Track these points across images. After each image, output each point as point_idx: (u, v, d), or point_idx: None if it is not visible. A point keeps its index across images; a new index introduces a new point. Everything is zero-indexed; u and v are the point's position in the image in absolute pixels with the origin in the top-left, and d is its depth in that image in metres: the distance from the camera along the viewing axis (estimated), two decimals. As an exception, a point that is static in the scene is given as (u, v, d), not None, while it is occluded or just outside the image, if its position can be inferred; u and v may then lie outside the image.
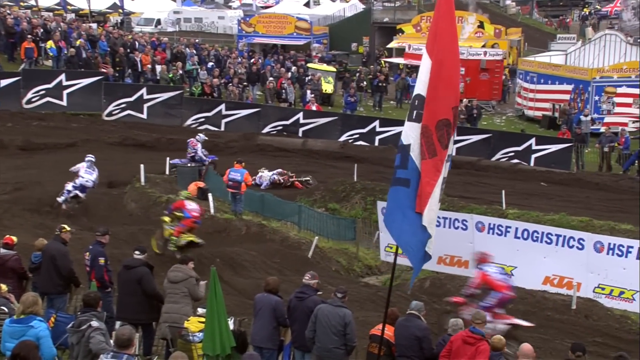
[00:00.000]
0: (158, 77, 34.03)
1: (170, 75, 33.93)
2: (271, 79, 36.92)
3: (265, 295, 10.62)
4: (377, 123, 31.44)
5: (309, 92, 36.24)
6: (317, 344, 10.07)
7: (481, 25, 46.39)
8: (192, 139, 24.38)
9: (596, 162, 29.88)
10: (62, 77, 31.26)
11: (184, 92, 32.98)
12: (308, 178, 26.22)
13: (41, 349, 7.94)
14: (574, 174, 27.79)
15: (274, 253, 18.37)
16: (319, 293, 10.72)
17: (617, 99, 35.28)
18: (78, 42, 33.59)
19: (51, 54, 33.33)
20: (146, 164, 23.07)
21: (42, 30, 34.31)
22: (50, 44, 33.21)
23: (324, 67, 42.56)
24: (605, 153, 29.30)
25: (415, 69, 41.32)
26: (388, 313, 10.07)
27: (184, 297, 11.07)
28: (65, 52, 33.05)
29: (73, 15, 45.85)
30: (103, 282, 11.82)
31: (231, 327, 10.00)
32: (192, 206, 17.03)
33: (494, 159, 29.17)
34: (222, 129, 31.94)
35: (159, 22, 59.02)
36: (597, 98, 35.42)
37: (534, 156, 29.15)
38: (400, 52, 46.71)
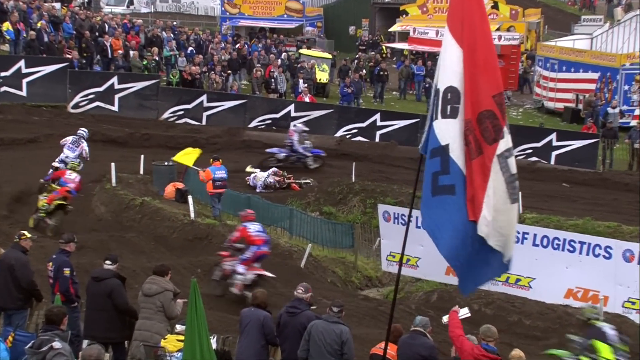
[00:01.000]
0: (131, 65, 34.02)
1: (145, 63, 33.92)
2: (259, 66, 37.01)
3: (252, 310, 10.63)
4: (377, 116, 31.47)
5: (301, 81, 36.34)
6: (311, 364, 10.08)
7: (495, 6, 46.51)
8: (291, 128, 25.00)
9: (625, 160, 29.96)
10: (21, 63, 31.19)
11: (160, 82, 33.02)
12: (308, 180, 26.22)
13: (-2, 371, 7.93)
14: (600, 174, 27.87)
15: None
16: (312, 307, 10.72)
17: (649, 89, 35.46)
18: (39, 24, 33.51)
19: (8, 37, 33.25)
20: (117, 163, 23.02)
21: (-3, 10, 34.32)
22: (6, 25, 33.09)
23: (319, 53, 42.64)
24: (635, 150, 29.35)
25: (420, 56, 41.45)
26: (391, 330, 10.07)
27: (158, 312, 11.07)
28: (25, 35, 32.98)
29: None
30: (68, 295, 11.79)
31: (214, 346, 10.00)
32: (71, 176, 19.06)
33: (519, 157, 29.24)
34: (204, 122, 31.95)
35: (131, 1, 58.98)
36: (626, 87, 35.53)
37: (554, 153, 29.23)
38: (404, 36, 46.80)
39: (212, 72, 35.34)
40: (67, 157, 21.43)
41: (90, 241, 18.11)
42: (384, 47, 47.37)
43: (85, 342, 11.05)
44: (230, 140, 29.92)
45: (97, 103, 31.84)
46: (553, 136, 29.54)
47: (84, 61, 33.52)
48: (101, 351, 8.28)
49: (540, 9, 53.22)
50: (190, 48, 38.28)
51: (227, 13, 50.71)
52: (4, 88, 30.95)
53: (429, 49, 40.64)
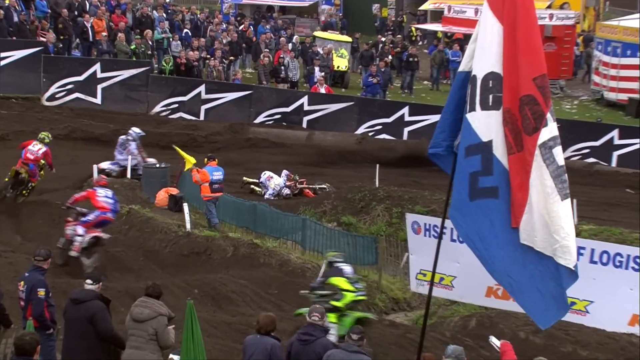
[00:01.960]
0: (116, 50, 34.13)
1: (133, 47, 34.01)
2: (266, 51, 37.03)
3: (257, 337, 10.63)
4: (406, 110, 31.52)
5: (317, 69, 36.33)
6: (327, 401, 10.11)
7: (546, -21, 46.46)
8: None
9: (700, 162, 29.83)
10: (-12, 48, 31.48)
11: (150, 70, 33.13)
12: (324, 186, 26.20)
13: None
14: (671, 178, 27.76)
15: (270, 282, 18.40)
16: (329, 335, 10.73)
17: None
18: (7, 1, 33.63)
19: (-28, 17, 33.47)
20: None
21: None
22: (-31, 4, 33.35)
23: (337, 36, 42.66)
24: None
25: (456, 38, 41.34)
26: (421, 361, 10.11)
27: (151, 341, 11.09)
28: (-9, 15, 33.17)
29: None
30: (42, 321, 11.84)
31: (213, 379, 10.03)
32: (34, 148, 21.29)
33: (574, 158, 29.13)
34: (202, 117, 32.05)
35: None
36: (702, 75, 35.39)
37: (616, 154, 29.14)
38: (437, 15, 46.76)
39: (212, 59, 35.38)
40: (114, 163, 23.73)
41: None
42: (413, 29, 47.35)
43: (62, 376, 11.11)
44: (233, 138, 29.97)
45: (77, 94, 32.01)
46: (614, 133, 29.44)
47: (61, 45, 33.58)
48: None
49: (600, -18, 53.09)
50: (186, 30, 38.32)
51: (229, -11, 50.84)
52: (-33, 77, 31.26)
53: (466, 31, 40.54)
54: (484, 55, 8.59)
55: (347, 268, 14.86)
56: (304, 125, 31.89)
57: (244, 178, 26.33)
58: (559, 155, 8.28)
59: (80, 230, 18.01)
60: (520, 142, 8.33)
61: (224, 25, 40.94)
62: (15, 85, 31.55)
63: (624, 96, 37.41)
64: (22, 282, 12.18)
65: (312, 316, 10.80)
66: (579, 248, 16.73)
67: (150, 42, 34.94)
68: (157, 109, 32.27)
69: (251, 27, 41.61)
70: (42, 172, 21.57)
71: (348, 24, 49.50)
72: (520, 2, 8.59)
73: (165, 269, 19.01)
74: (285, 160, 27.92)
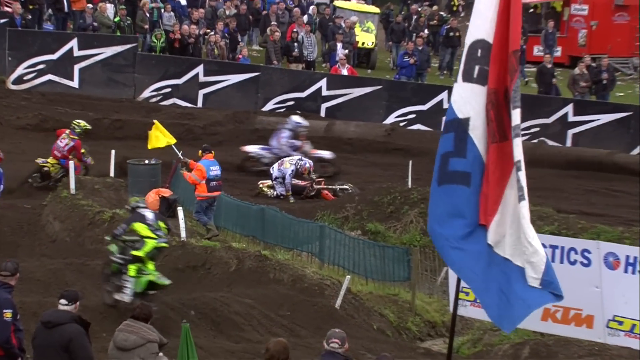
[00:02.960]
0: (97, 22, 34.19)
1: (117, 20, 34.07)
2: (275, 24, 36.95)
3: (266, 368, 10.65)
4: (444, 95, 31.44)
5: (339, 45, 36.21)
6: None
7: None
8: None
9: None
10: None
11: (138, 47, 33.21)
12: (346, 186, 26.16)
13: None
14: None
15: (282, 301, 18.41)
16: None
17: None
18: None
19: None
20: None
21: None
22: None
23: (362, 6, 42.60)
24: None
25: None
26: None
27: (138, 373, 11.14)
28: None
29: None
30: (9, 348, 11.86)
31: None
32: (61, 143, 23.13)
33: (634, 152, 29.24)
34: (200, 105, 32.12)
35: None
36: None
37: None
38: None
39: (212, 33, 35.34)
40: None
41: (40, 271, 18.19)
42: (454, -1, 47.30)
43: (32, 413, 11.13)
44: (237, 129, 30.02)
45: (49, 76, 32.11)
46: None
47: (30, 17, 33.65)
48: None
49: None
50: (181, -1, 38.44)
51: (233, -50, 50.92)
52: None
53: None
54: (477, 19, 8.63)
55: (149, 214, 16.87)
56: (322, 113, 31.97)
57: (261, 182, 26.28)
58: (518, 146, 8.32)
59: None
60: (503, 132, 8.37)
61: (227, -6, 40.94)
62: (-25, 65, 31.73)
63: None
64: (-16, 302, 12.22)
65: (330, 343, 10.78)
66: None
67: (147, 14, 34.75)
68: (146, 94, 32.34)
69: (259, -5, 41.61)
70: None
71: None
72: None
73: (155, 286, 19.04)
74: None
